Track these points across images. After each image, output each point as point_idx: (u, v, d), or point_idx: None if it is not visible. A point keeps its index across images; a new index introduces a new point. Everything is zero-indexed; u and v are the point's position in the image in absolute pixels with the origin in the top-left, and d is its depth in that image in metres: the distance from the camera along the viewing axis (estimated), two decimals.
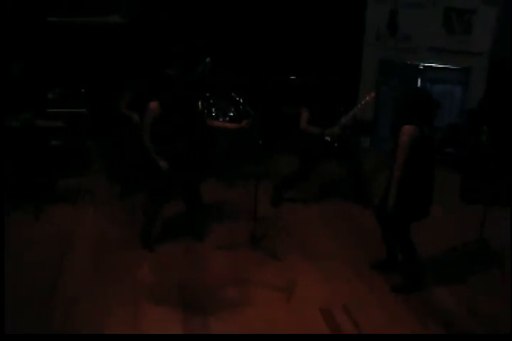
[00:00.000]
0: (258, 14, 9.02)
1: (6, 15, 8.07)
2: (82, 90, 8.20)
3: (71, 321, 4.64)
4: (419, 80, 9.25)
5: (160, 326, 4.62)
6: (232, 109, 7.90)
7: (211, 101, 7.80)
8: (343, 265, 5.67)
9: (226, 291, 5.16)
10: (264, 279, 5.38)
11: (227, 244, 5.96)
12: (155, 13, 8.82)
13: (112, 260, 5.66)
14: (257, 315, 4.80)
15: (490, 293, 5.24)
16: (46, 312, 4.74)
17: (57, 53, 8.51)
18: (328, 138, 6.79)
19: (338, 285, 5.32)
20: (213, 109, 7.81)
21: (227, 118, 7.90)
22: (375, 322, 4.75)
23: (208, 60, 7.43)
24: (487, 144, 6.70)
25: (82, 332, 4.50)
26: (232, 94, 7.53)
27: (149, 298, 5.01)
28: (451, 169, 8.22)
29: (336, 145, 6.84)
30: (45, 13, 8.56)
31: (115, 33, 8.70)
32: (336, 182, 7.76)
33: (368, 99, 6.76)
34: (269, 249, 5.89)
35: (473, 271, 5.63)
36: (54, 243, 5.92)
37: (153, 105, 5.51)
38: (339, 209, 7.05)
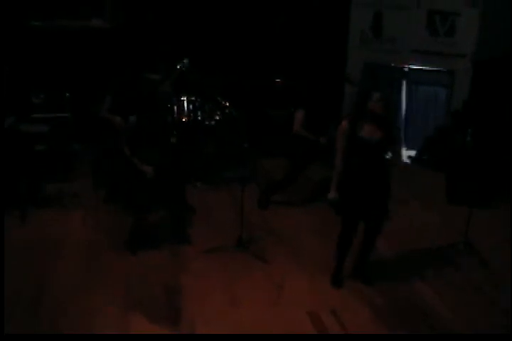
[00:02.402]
0: (243, 17, 9.02)
1: None
2: (67, 94, 8.17)
3: (58, 321, 4.64)
4: (403, 82, 9.29)
5: (148, 328, 4.61)
6: (218, 113, 7.90)
7: (197, 105, 7.79)
8: (330, 267, 5.66)
9: (213, 294, 5.15)
10: (251, 282, 5.39)
11: (214, 247, 5.95)
12: (139, 17, 8.80)
13: (99, 263, 5.64)
14: (244, 317, 4.79)
15: (474, 295, 5.26)
16: (33, 312, 4.73)
17: (41, 57, 8.46)
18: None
19: (326, 287, 5.32)
20: (199, 113, 7.81)
21: (213, 122, 7.90)
22: (363, 324, 4.76)
23: (186, 60, 7.37)
24: (472, 146, 6.74)
25: (69, 332, 4.49)
26: (218, 98, 7.53)
27: (137, 300, 4.99)
28: (437, 170, 8.28)
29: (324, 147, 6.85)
30: (28, 17, 8.51)
31: (99, 37, 8.67)
32: (323, 185, 7.76)
33: None
34: (256, 252, 5.89)
35: (458, 272, 5.66)
36: (41, 246, 5.90)
37: None
38: (326, 212, 7.02)
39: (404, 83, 9.30)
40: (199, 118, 7.81)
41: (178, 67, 7.19)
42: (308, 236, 6.43)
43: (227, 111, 7.82)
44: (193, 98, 7.78)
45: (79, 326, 4.60)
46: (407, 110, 9.28)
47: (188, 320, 4.74)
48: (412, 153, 9.21)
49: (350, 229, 5.22)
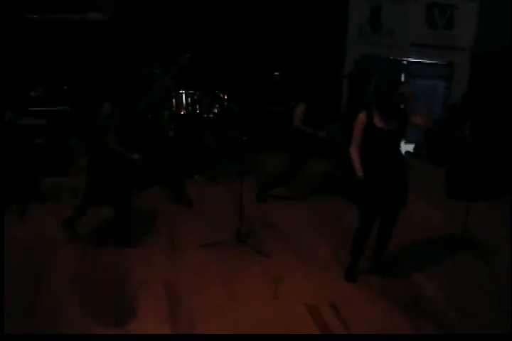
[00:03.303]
0: (241, 11, 9.00)
1: None
2: (65, 88, 8.15)
3: (57, 321, 4.61)
4: (402, 75, 9.29)
5: (146, 325, 4.59)
6: (217, 106, 7.89)
7: (195, 98, 7.78)
8: (329, 261, 5.67)
9: (212, 288, 5.14)
10: (250, 275, 5.38)
11: (213, 241, 5.95)
12: (137, 11, 8.78)
13: (97, 258, 5.62)
14: (243, 311, 4.78)
15: (475, 289, 5.26)
16: (31, 312, 4.71)
17: (38, 51, 8.43)
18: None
19: (325, 281, 5.32)
20: (197, 106, 7.80)
21: (212, 115, 7.89)
22: (363, 318, 4.74)
23: (187, 55, 7.34)
24: (471, 139, 6.75)
25: (69, 332, 4.48)
26: (216, 91, 7.51)
27: (135, 296, 4.98)
28: (435, 164, 8.29)
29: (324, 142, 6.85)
30: (26, 10, 8.48)
31: (97, 30, 8.65)
32: (322, 180, 7.77)
33: None
34: (255, 246, 5.89)
35: (458, 265, 5.66)
36: (40, 244, 5.87)
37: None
38: (326, 206, 7.05)
39: (402, 76, 9.30)
40: (197, 111, 7.80)
41: (179, 61, 7.16)
42: (307, 230, 6.43)
43: (225, 104, 7.81)
44: (191, 91, 7.77)
45: (78, 326, 4.57)
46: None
47: (186, 314, 4.73)
48: (411, 146, 9.22)
49: (369, 222, 5.20)
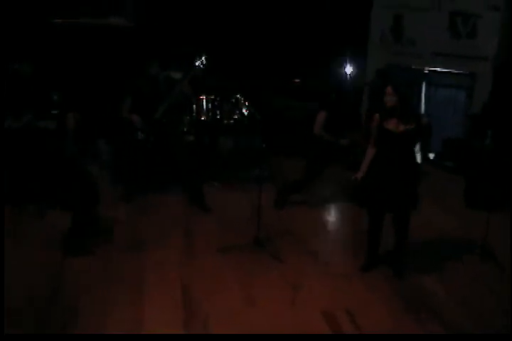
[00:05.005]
0: (263, 18, 9.05)
1: (12, 17, 8.10)
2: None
3: (72, 321, 4.63)
4: (423, 84, 9.25)
5: (161, 327, 4.60)
6: (237, 112, 7.90)
7: (216, 104, 7.79)
8: (346, 267, 5.66)
9: (229, 293, 5.14)
10: (267, 281, 5.37)
11: (231, 247, 5.95)
12: (158, 15, 8.85)
13: (113, 260, 5.65)
14: (259, 317, 4.78)
15: (493, 299, 5.21)
16: (47, 312, 4.74)
17: (63, 55, 8.52)
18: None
19: (341, 287, 5.30)
20: (218, 112, 7.81)
21: (232, 121, 7.90)
22: (378, 324, 4.73)
23: (204, 57, 7.27)
24: (492, 149, 6.69)
25: (83, 332, 4.49)
26: (238, 97, 7.53)
27: (151, 299, 4.99)
28: (455, 173, 8.24)
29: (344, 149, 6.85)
30: (51, 15, 8.58)
31: (119, 34, 8.72)
32: (340, 186, 7.74)
33: None
34: (273, 252, 5.88)
35: (476, 275, 5.60)
36: (56, 245, 5.90)
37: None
38: (343, 212, 7.03)
39: (423, 85, 9.27)
40: (218, 117, 7.81)
41: (197, 64, 7.16)
42: (324, 236, 6.43)
43: (247, 110, 7.82)
44: (212, 97, 7.79)
45: (92, 326, 4.59)
46: (426, 112, 9.24)
47: (202, 318, 4.73)
48: (431, 155, 9.17)
49: (374, 219, 5.45)
